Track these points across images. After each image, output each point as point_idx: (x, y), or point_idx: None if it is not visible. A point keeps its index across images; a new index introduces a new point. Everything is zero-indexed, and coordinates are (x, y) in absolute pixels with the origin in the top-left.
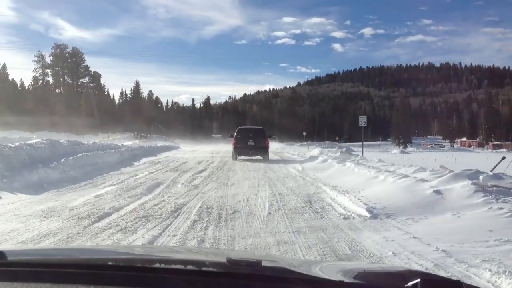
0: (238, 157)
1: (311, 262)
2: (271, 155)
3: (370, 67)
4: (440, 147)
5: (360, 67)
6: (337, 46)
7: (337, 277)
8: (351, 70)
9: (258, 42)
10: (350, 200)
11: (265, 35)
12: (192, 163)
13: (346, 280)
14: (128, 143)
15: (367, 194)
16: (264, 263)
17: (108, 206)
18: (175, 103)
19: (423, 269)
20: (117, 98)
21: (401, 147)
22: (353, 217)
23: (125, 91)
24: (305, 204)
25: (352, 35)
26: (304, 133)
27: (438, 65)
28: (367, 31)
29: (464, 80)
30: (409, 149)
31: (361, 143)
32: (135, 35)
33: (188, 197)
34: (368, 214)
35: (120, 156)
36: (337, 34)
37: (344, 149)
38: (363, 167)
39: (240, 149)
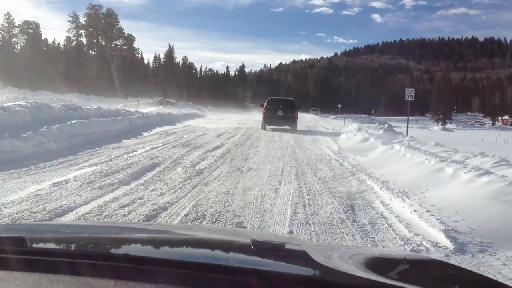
0: (267, 127)
1: (333, 247)
2: (303, 129)
3: (411, 39)
4: (481, 124)
5: (400, 39)
6: (376, 17)
7: (359, 271)
8: (391, 41)
9: (295, 10)
10: (415, 211)
11: (302, 3)
12: (211, 135)
13: (370, 276)
14: (151, 109)
15: (436, 200)
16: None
17: (57, 205)
18: (210, 69)
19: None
20: (150, 62)
21: (440, 124)
22: (426, 248)
23: (159, 56)
24: (345, 214)
25: (393, 6)
26: (340, 105)
27: (481, 39)
28: (408, 1)
29: (508, 56)
30: (449, 125)
31: (398, 117)
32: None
33: (180, 192)
34: (450, 244)
35: (129, 124)
36: (377, 4)
37: (386, 126)
38: (417, 152)
39: (269, 119)
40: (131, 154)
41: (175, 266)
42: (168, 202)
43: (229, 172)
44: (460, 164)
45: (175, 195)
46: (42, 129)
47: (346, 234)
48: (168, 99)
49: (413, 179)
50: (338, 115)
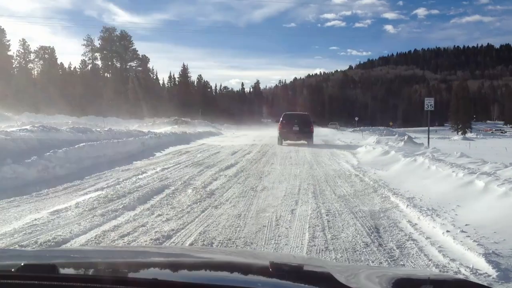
0: (284, 142)
1: (357, 267)
2: (320, 143)
3: (426, 49)
4: (501, 132)
5: (415, 49)
6: (389, 28)
7: None
8: (405, 52)
9: (307, 25)
10: (447, 231)
11: (314, 18)
12: (225, 153)
13: None
14: (166, 128)
15: (470, 218)
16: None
17: (51, 236)
18: (225, 87)
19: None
20: (165, 82)
21: (460, 133)
22: (465, 277)
23: (173, 75)
24: (369, 237)
25: (405, 16)
26: (357, 118)
27: (497, 46)
28: (421, 11)
29: None
30: (469, 134)
31: (416, 128)
32: (185, 20)
33: (188, 216)
34: (493, 271)
35: (141, 145)
36: (389, 15)
37: (406, 137)
38: (443, 164)
39: (286, 134)
40: (140, 176)
41: None
42: (173, 229)
43: (242, 193)
44: (491, 176)
45: (182, 220)
46: (48, 153)
47: (372, 262)
48: (183, 118)
49: (441, 194)
50: (355, 128)
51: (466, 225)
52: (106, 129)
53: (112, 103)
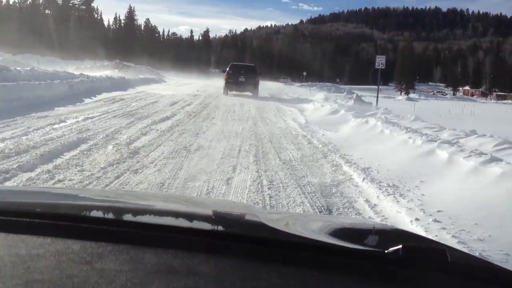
0: (229, 93)
1: (288, 215)
2: (267, 98)
3: (376, 8)
4: (442, 94)
5: (365, 8)
6: None
7: (312, 234)
8: (356, 10)
9: None
10: (417, 220)
11: None
12: (163, 103)
13: (320, 238)
14: (105, 72)
15: (441, 200)
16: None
17: None
18: (173, 33)
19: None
20: (111, 24)
21: (403, 93)
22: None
23: (119, 17)
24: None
25: None
26: (305, 73)
27: (444, 10)
28: None
29: (470, 27)
30: (412, 95)
31: (362, 86)
32: None
33: (96, 184)
34: None
35: (69, 89)
36: None
37: (355, 96)
38: (397, 128)
39: (231, 84)
40: (56, 126)
41: (117, 226)
42: None
43: (172, 152)
44: (454, 146)
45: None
46: None
47: None
48: (125, 63)
49: (400, 165)
50: (303, 83)
51: (438, 211)
52: (28, 68)
53: (52, 42)
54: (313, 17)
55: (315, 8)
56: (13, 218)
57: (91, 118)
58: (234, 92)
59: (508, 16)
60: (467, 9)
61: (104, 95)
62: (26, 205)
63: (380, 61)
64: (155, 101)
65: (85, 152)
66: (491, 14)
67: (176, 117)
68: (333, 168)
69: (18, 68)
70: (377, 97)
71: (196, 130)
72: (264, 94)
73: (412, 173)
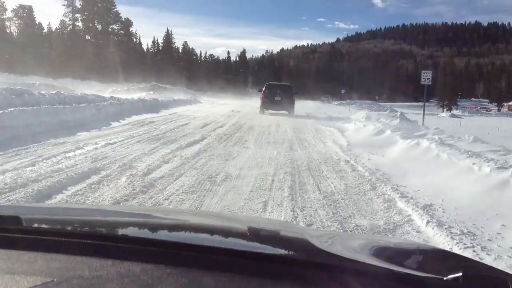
0: (266, 111)
1: (337, 234)
2: (304, 117)
3: (413, 24)
4: (486, 110)
5: (403, 24)
6: (377, 2)
7: (360, 257)
8: (393, 27)
9: None
10: None
11: None
12: (194, 125)
13: (370, 261)
14: (140, 94)
15: None
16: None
17: None
18: (210, 55)
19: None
20: (149, 47)
21: (446, 110)
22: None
23: (157, 40)
24: None
25: None
26: (343, 91)
27: (485, 24)
28: None
29: None
30: (455, 112)
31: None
32: None
33: None
34: None
35: (96, 112)
36: None
37: (399, 113)
38: (456, 152)
39: (268, 103)
40: (70, 154)
41: (172, 247)
42: None
43: (194, 185)
44: None
45: None
46: None
47: None
48: (161, 85)
49: (469, 200)
50: (341, 101)
51: None
52: (53, 92)
53: (92, 67)
54: (349, 35)
55: (351, 26)
56: (71, 239)
57: (113, 143)
58: (270, 112)
59: None
60: (509, 23)
61: (134, 118)
62: (81, 224)
63: (426, 77)
64: (186, 123)
65: (93, 186)
66: None
67: (206, 140)
68: (386, 205)
69: (43, 92)
70: (423, 115)
71: (226, 155)
72: (301, 114)
73: (488, 213)
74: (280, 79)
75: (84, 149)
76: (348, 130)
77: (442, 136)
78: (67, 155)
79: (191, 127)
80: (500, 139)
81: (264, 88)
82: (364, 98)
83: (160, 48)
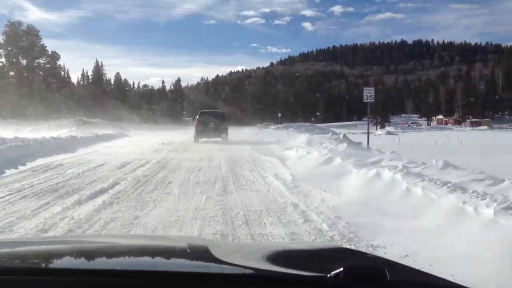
0: (200, 140)
1: (238, 245)
2: (240, 145)
3: (343, 45)
4: (417, 125)
5: (333, 46)
6: (307, 25)
7: (256, 264)
8: (324, 48)
9: (227, 22)
10: None
11: (234, 15)
12: (113, 165)
13: (266, 267)
14: (62, 131)
15: None
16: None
17: None
18: (144, 85)
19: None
20: (79, 80)
21: (379, 127)
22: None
23: (86, 72)
24: None
25: (322, 13)
26: (280, 114)
27: (410, 42)
28: (337, 9)
29: (436, 57)
30: (389, 128)
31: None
32: (103, 17)
33: None
34: None
35: None
36: (307, 12)
37: (341, 136)
38: (431, 184)
39: (201, 132)
40: None
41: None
42: None
43: None
44: None
45: None
46: None
47: None
48: (86, 119)
49: (479, 267)
50: (279, 125)
51: None
52: None
53: (13, 104)
54: (283, 58)
55: (284, 50)
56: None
57: None
58: (205, 140)
59: (472, 43)
60: (432, 40)
61: (39, 162)
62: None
63: (369, 94)
64: (102, 163)
65: None
66: (455, 43)
67: (117, 187)
68: None
69: None
70: (368, 135)
71: (138, 209)
72: (238, 141)
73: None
74: (216, 106)
75: None
76: (290, 159)
77: (403, 162)
78: None
79: (106, 169)
80: (443, 154)
81: (197, 116)
82: (300, 120)
83: (90, 80)
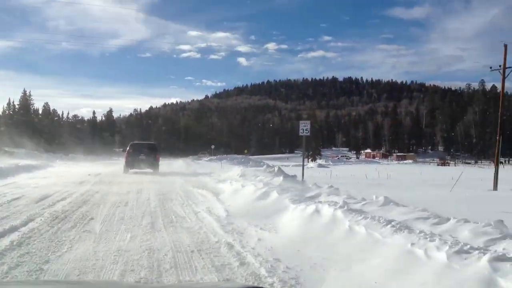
0: (130, 170)
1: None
2: (173, 178)
3: (277, 80)
4: (346, 158)
5: (268, 81)
6: (242, 60)
7: None
8: (258, 83)
9: (163, 55)
10: None
11: (170, 49)
12: (30, 198)
13: None
14: None
15: None
16: None
17: None
18: (74, 115)
19: None
20: (5, 110)
21: (311, 160)
22: None
23: (13, 102)
24: None
25: (257, 50)
26: (213, 146)
27: (341, 79)
28: (271, 46)
29: (365, 93)
30: (320, 161)
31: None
32: (34, 47)
33: None
34: None
35: None
36: (242, 48)
37: (276, 169)
38: (374, 223)
39: (132, 163)
40: None
41: None
42: None
43: None
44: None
45: None
46: None
47: None
48: (7, 149)
49: None
50: (212, 157)
51: None
52: None
53: None
54: (218, 92)
55: (219, 84)
56: None
57: None
58: (135, 171)
59: (399, 82)
60: (361, 77)
61: None
62: None
63: (305, 127)
64: (19, 196)
65: None
66: (383, 81)
67: (31, 224)
68: None
69: None
70: (303, 168)
71: (50, 251)
72: (170, 173)
73: None
74: (149, 138)
75: None
76: (224, 193)
77: (342, 197)
78: None
79: (21, 203)
80: (376, 188)
81: (128, 148)
82: (233, 152)
83: (16, 110)
